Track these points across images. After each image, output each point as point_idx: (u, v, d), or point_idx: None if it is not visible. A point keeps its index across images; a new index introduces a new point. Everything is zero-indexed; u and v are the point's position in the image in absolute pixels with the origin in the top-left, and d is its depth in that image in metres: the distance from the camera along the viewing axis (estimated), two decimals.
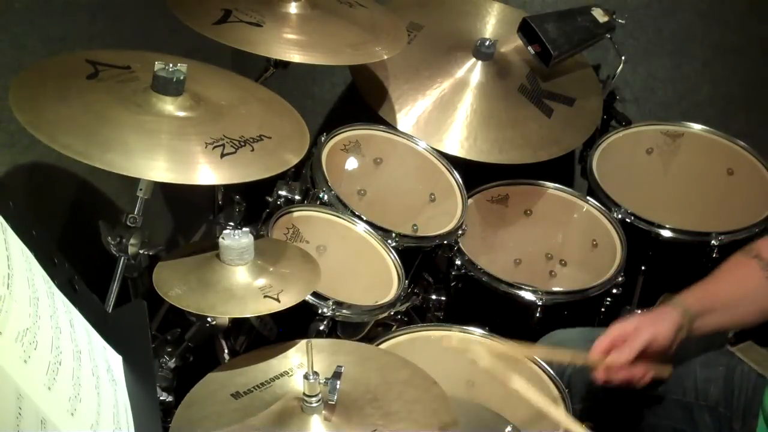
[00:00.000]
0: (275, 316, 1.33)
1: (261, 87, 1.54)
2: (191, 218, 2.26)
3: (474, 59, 1.89)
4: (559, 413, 1.19)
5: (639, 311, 1.73)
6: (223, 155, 1.22)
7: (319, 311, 1.38)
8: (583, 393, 1.39)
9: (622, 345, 1.25)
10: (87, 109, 1.19)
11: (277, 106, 1.48)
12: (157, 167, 1.16)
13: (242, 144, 1.26)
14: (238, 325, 1.46)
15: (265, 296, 1.21)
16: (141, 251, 1.32)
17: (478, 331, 1.46)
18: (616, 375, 1.25)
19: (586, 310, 1.64)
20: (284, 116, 1.45)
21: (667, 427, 1.37)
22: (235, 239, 1.23)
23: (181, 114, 1.26)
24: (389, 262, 1.56)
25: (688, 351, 1.38)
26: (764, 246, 1.32)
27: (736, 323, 1.35)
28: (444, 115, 1.82)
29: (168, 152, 1.19)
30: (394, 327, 1.55)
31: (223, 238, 1.23)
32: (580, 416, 1.36)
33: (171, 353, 1.37)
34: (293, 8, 1.61)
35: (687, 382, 1.36)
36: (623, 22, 1.92)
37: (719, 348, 1.38)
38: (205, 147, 1.22)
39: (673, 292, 1.33)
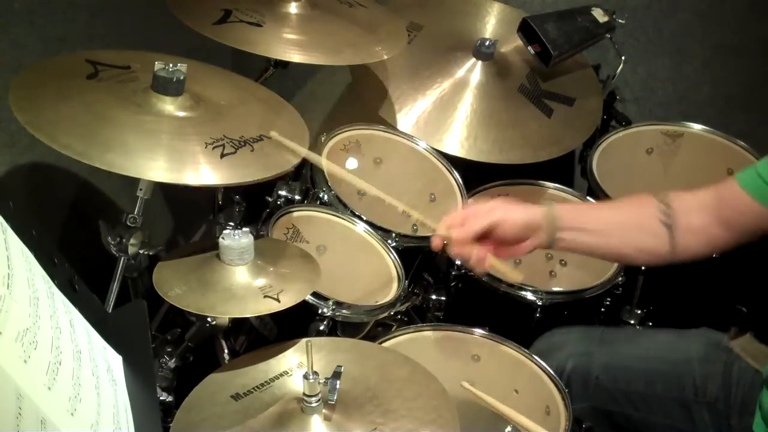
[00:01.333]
0: (275, 316, 1.33)
1: (261, 87, 1.54)
2: (191, 218, 2.26)
3: (474, 59, 1.89)
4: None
5: (639, 311, 1.74)
6: (222, 155, 1.22)
7: (319, 311, 1.38)
8: (583, 393, 1.40)
9: (469, 220, 1.21)
10: (87, 109, 1.20)
11: (277, 106, 1.48)
12: (156, 167, 1.16)
13: (242, 144, 1.26)
14: (238, 325, 1.46)
15: (265, 296, 1.21)
16: (141, 251, 1.32)
17: (478, 331, 1.46)
18: (453, 248, 1.20)
19: (586, 310, 1.64)
20: (284, 116, 1.45)
21: (665, 425, 1.36)
22: (235, 239, 1.23)
23: (181, 114, 1.26)
24: (389, 262, 1.56)
25: (686, 349, 1.38)
26: (677, 195, 1.26)
27: (607, 253, 1.30)
28: (444, 115, 1.82)
29: (167, 152, 1.19)
30: (394, 327, 1.55)
31: (223, 238, 1.24)
32: (580, 416, 1.37)
33: (171, 353, 1.37)
34: (293, 8, 1.61)
35: (685, 378, 1.35)
36: (623, 22, 1.92)
37: (717, 344, 1.37)
38: (205, 147, 1.22)
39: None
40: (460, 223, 1.21)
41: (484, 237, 1.21)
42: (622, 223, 1.26)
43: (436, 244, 1.22)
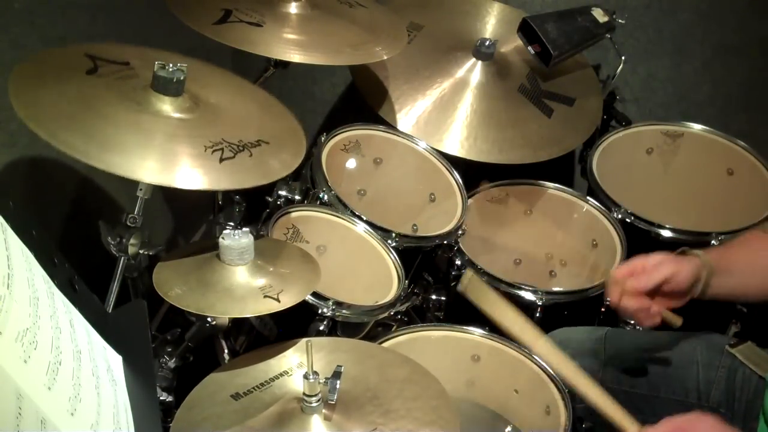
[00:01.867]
0: (275, 316, 1.33)
1: (259, 89, 1.54)
2: (191, 218, 2.26)
3: (474, 59, 1.89)
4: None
5: None
6: (222, 159, 1.22)
7: (319, 311, 1.38)
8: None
9: (642, 274, 1.24)
10: (86, 105, 1.19)
11: (275, 110, 1.47)
12: (152, 169, 1.15)
13: (241, 149, 1.26)
14: (238, 325, 1.46)
15: (265, 296, 1.21)
16: (141, 251, 1.32)
17: (478, 331, 1.46)
18: (628, 301, 1.23)
19: (586, 310, 1.64)
20: (282, 121, 1.44)
21: None
22: (235, 239, 1.23)
23: (181, 116, 1.26)
24: (389, 262, 1.56)
25: (689, 352, 1.38)
26: None
27: (749, 293, 1.34)
28: (444, 115, 1.82)
29: (164, 154, 1.19)
30: (394, 327, 1.55)
31: (223, 238, 1.23)
32: (581, 416, 1.37)
33: (171, 353, 1.37)
34: (293, 8, 1.61)
35: (689, 383, 1.35)
36: (623, 22, 1.92)
37: (720, 350, 1.37)
38: (205, 151, 1.22)
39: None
40: (629, 274, 1.24)
41: (651, 291, 1.25)
42: (756, 264, 1.30)
43: (614, 298, 1.24)
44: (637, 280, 1.23)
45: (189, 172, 1.19)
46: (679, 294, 1.26)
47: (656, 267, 1.24)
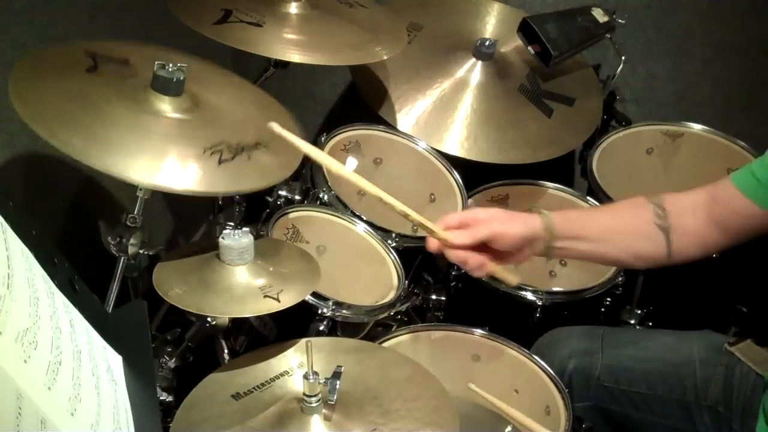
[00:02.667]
0: (275, 316, 1.33)
1: (259, 90, 1.54)
2: (191, 218, 2.26)
3: (474, 59, 1.89)
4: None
5: (639, 311, 1.74)
6: (220, 161, 1.22)
7: (319, 311, 1.38)
8: (584, 392, 1.40)
9: (466, 229, 1.19)
10: (86, 103, 1.19)
11: (275, 111, 1.47)
12: (152, 170, 1.15)
13: (240, 151, 1.26)
14: (238, 325, 1.46)
15: (265, 296, 1.21)
16: (141, 251, 1.32)
17: (478, 331, 1.46)
18: (449, 251, 1.19)
19: (586, 310, 1.64)
20: (281, 123, 1.44)
21: (666, 426, 1.36)
22: (235, 239, 1.23)
23: (180, 116, 1.26)
24: (389, 262, 1.56)
25: (687, 351, 1.38)
26: (671, 196, 1.25)
27: (605, 259, 1.30)
28: (444, 115, 1.82)
29: (164, 155, 1.19)
30: (394, 327, 1.55)
31: (223, 238, 1.24)
32: (581, 415, 1.37)
33: (171, 353, 1.37)
34: (293, 8, 1.61)
35: (687, 381, 1.35)
36: (623, 22, 1.92)
37: (718, 348, 1.37)
38: (203, 152, 1.21)
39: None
40: (456, 226, 1.20)
41: (481, 244, 1.20)
42: (617, 230, 1.25)
43: (431, 245, 1.21)
44: (457, 237, 1.18)
45: (187, 175, 1.19)
46: (510, 251, 1.21)
47: (483, 223, 1.19)
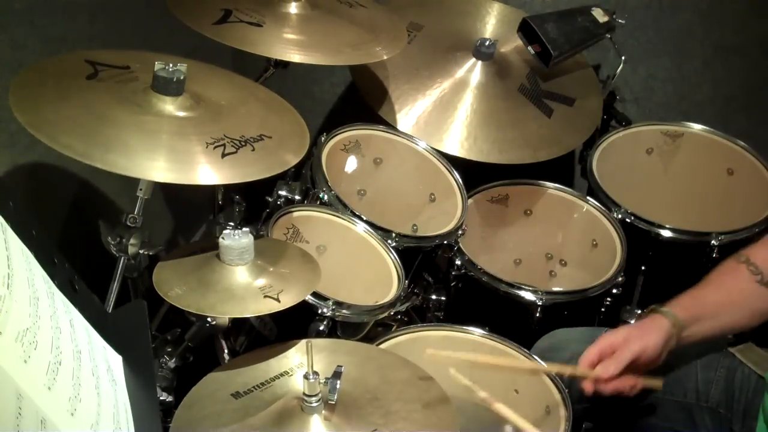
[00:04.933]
0: (275, 316, 1.33)
1: (261, 87, 1.54)
2: (191, 218, 2.26)
3: (474, 59, 1.89)
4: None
5: (639, 311, 1.73)
6: (224, 155, 1.22)
7: (319, 311, 1.38)
8: (583, 394, 1.39)
9: (610, 357, 1.25)
10: (87, 109, 1.20)
11: (277, 106, 1.48)
12: (157, 167, 1.16)
13: (243, 144, 1.26)
14: (238, 325, 1.46)
15: (265, 296, 1.21)
16: (141, 251, 1.32)
17: (478, 331, 1.46)
18: (604, 387, 1.25)
19: (586, 310, 1.64)
20: (284, 116, 1.45)
21: (667, 428, 1.37)
22: (235, 239, 1.23)
23: (182, 114, 1.27)
24: (389, 262, 1.55)
25: (688, 353, 1.38)
26: (753, 251, 1.32)
27: (726, 330, 1.34)
28: (444, 115, 1.82)
29: (168, 152, 1.19)
30: (394, 327, 1.55)
31: (223, 238, 1.23)
32: (581, 416, 1.37)
33: (171, 353, 1.37)
34: (293, 8, 1.61)
35: (688, 383, 1.36)
36: (623, 22, 1.92)
37: (719, 350, 1.37)
38: (206, 147, 1.22)
39: (662, 303, 1.33)
40: (598, 360, 1.25)
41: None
42: (730, 301, 1.31)
43: (588, 389, 1.25)
44: (605, 370, 1.24)
45: (191, 169, 1.19)
46: (652, 363, 1.27)
47: (623, 347, 1.24)
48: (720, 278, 1.33)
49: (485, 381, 1.46)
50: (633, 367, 1.25)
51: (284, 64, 1.68)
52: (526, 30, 1.86)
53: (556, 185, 1.86)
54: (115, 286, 1.31)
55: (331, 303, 1.38)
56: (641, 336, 1.25)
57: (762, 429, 1.21)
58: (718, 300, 1.30)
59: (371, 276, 1.56)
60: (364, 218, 1.58)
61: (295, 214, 1.56)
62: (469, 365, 1.27)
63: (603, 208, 1.78)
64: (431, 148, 1.78)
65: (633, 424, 1.39)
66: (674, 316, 1.27)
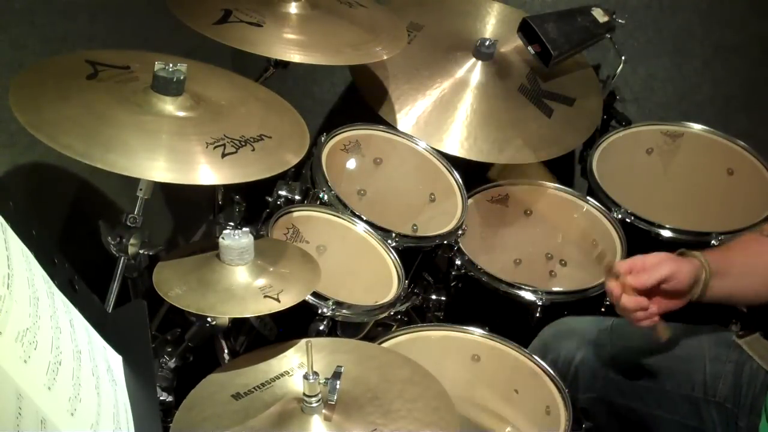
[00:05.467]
0: (275, 316, 1.33)
1: (261, 87, 1.54)
2: (191, 218, 2.26)
3: (474, 59, 1.89)
4: None
5: None
6: (224, 155, 1.22)
7: (319, 311, 1.38)
8: (590, 384, 1.40)
9: (642, 271, 1.23)
10: (87, 109, 1.20)
11: (277, 106, 1.48)
12: (157, 167, 1.16)
13: (243, 144, 1.26)
14: (238, 325, 1.46)
15: (265, 296, 1.21)
16: (141, 251, 1.32)
17: (478, 331, 1.46)
18: (627, 299, 1.23)
19: (586, 310, 1.64)
20: (284, 116, 1.45)
21: (673, 421, 1.36)
22: (235, 239, 1.23)
23: (182, 114, 1.27)
24: (389, 262, 1.56)
25: (697, 345, 1.38)
26: None
27: (748, 295, 1.34)
28: (444, 115, 1.82)
29: (169, 152, 1.19)
30: (394, 327, 1.55)
31: (223, 238, 1.23)
32: (585, 407, 1.37)
33: (171, 353, 1.37)
34: (293, 8, 1.61)
35: (696, 377, 1.35)
36: (623, 22, 1.92)
37: (727, 343, 1.37)
38: (206, 147, 1.22)
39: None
40: (628, 271, 1.24)
41: (649, 291, 1.24)
42: (756, 264, 1.31)
43: (615, 290, 1.24)
44: (636, 278, 1.23)
45: (191, 169, 1.19)
46: (678, 294, 1.26)
47: (656, 265, 1.24)
48: (744, 245, 1.34)
49: (485, 380, 1.47)
50: (660, 292, 1.25)
51: (284, 64, 1.68)
52: (526, 30, 1.86)
53: (556, 185, 1.86)
54: (115, 286, 1.31)
55: (331, 303, 1.38)
56: (675, 262, 1.25)
57: (765, 427, 1.21)
58: (743, 262, 1.31)
59: (371, 276, 1.56)
60: (364, 218, 1.58)
61: (295, 214, 1.56)
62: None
63: (603, 208, 1.78)
64: (431, 148, 1.78)
65: (639, 416, 1.39)
66: (705, 258, 1.27)
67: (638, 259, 1.26)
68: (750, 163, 1.90)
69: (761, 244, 1.32)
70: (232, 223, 1.71)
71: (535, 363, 1.40)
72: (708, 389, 1.34)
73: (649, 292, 1.24)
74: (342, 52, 1.60)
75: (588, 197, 1.83)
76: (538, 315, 1.58)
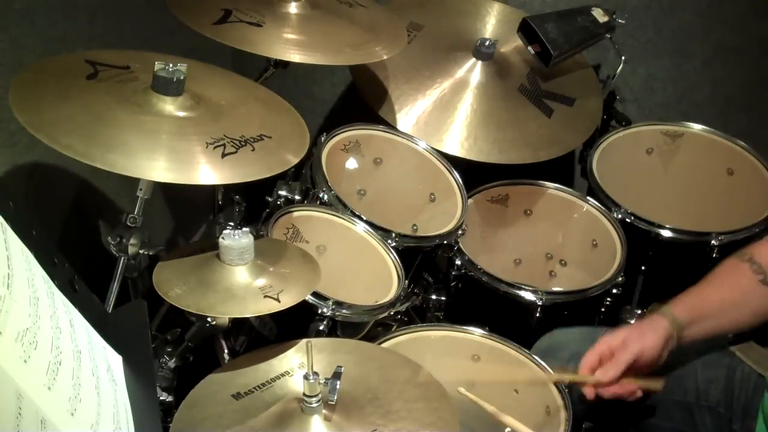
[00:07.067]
0: (275, 316, 1.33)
1: (261, 87, 1.54)
2: (191, 218, 2.26)
3: (474, 59, 1.89)
4: None
5: (639, 311, 1.74)
6: (224, 155, 1.22)
7: (319, 311, 1.38)
8: (584, 394, 1.39)
9: (610, 360, 1.25)
10: (87, 109, 1.20)
11: (277, 106, 1.48)
12: (157, 167, 1.16)
13: (243, 144, 1.26)
14: (238, 325, 1.46)
15: (265, 296, 1.21)
16: (141, 251, 1.32)
17: (478, 331, 1.46)
18: (605, 391, 1.25)
19: (586, 310, 1.64)
20: (284, 116, 1.45)
21: (667, 427, 1.37)
22: (235, 239, 1.23)
23: (182, 114, 1.27)
24: (389, 262, 1.55)
25: (689, 352, 1.38)
26: (757, 250, 1.32)
27: (728, 329, 1.35)
28: (444, 115, 1.82)
29: (169, 152, 1.19)
30: (394, 327, 1.55)
31: (223, 238, 1.23)
32: (582, 417, 1.37)
33: (171, 353, 1.37)
34: (293, 8, 1.61)
35: (688, 382, 1.36)
36: (623, 22, 1.92)
37: (720, 349, 1.37)
38: (206, 147, 1.22)
39: (662, 301, 1.33)
40: (598, 364, 1.26)
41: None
42: (732, 300, 1.30)
43: (590, 394, 1.26)
44: (604, 374, 1.24)
45: (191, 169, 1.19)
46: (652, 362, 1.27)
47: (621, 350, 1.25)
48: (722, 277, 1.33)
49: (485, 380, 1.47)
50: (633, 369, 1.25)
51: (284, 64, 1.68)
52: (526, 30, 1.86)
53: (556, 185, 1.86)
54: (115, 286, 1.31)
55: (331, 303, 1.38)
56: (640, 338, 1.26)
57: (761, 428, 1.21)
58: (720, 299, 1.30)
59: (371, 276, 1.56)
60: (364, 218, 1.58)
61: (295, 214, 1.56)
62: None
63: (603, 208, 1.78)
64: (431, 148, 1.78)
65: (633, 423, 1.39)
66: (674, 316, 1.27)
67: (604, 345, 1.27)
68: (750, 163, 1.90)
69: (739, 275, 1.31)
70: (232, 223, 1.71)
71: (535, 363, 1.40)
72: (700, 394, 1.35)
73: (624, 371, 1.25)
74: (342, 52, 1.60)
75: (588, 197, 1.83)
76: (538, 315, 1.57)
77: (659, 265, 1.79)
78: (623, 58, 1.96)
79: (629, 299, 1.78)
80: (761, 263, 1.29)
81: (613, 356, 1.25)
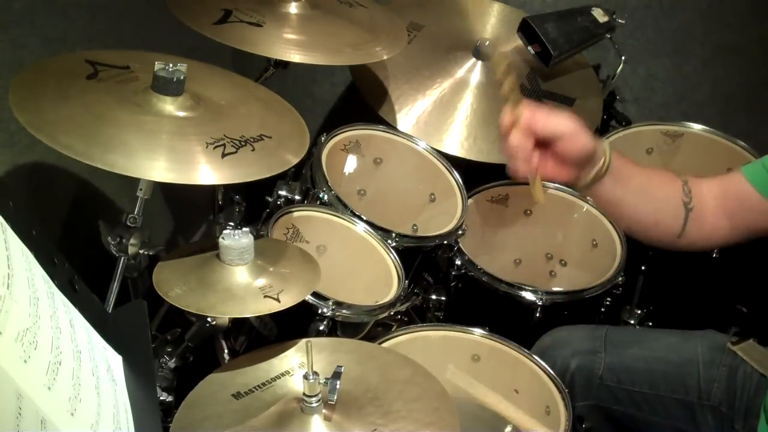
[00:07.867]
0: (275, 316, 1.33)
1: (261, 87, 1.54)
2: (191, 218, 2.26)
3: (474, 59, 1.89)
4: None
5: (639, 311, 1.74)
6: (224, 155, 1.22)
7: (319, 311, 1.38)
8: (586, 391, 1.40)
9: (544, 116, 1.15)
10: (87, 109, 1.19)
11: (277, 106, 1.48)
12: (157, 167, 1.16)
13: (243, 144, 1.26)
14: (238, 325, 1.46)
15: (265, 296, 1.21)
16: (141, 251, 1.32)
17: (478, 331, 1.46)
18: (514, 134, 1.14)
19: (586, 310, 1.64)
20: (284, 116, 1.45)
21: (668, 426, 1.37)
22: (235, 239, 1.23)
23: (182, 114, 1.27)
24: (389, 262, 1.56)
25: (690, 351, 1.38)
26: (696, 181, 1.27)
27: (629, 213, 1.28)
28: (444, 115, 1.82)
29: (169, 152, 1.19)
30: (394, 327, 1.55)
31: (223, 238, 1.23)
32: (583, 414, 1.37)
33: (171, 353, 1.37)
34: (293, 8, 1.61)
35: (689, 382, 1.35)
36: (623, 22, 1.92)
37: (722, 348, 1.37)
38: (206, 147, 1.22)
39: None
40: (529, 114, 1.14)
41: (541, 143, 1.16)
42: (652, 191, 1.26)
43: (505, 119, 1.14)
44: (533, 117, 1.14)
45: (191, 169, 1.19)
46: (568, 161, 1.18)
47: (560, 117, 1.15)
48: (654, 173, 1.29)
49: (485, 381, 1.47)
50: (551, 154, 1.17)
51: (284, 64, 1.68)
52: (526, 30, 1.86)
53: (556, 185, 1.86)
54: (115, 286, 1.31)
55: (331, 303, 1.38)
56: (580, 126, 1.17)
57: (764, 428, 1.21)
58: (644, 183, 1.26)
59: (371, 276, 1.56)
60: (364, 218, 1.58)
61: (295, 214, 1.56)
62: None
63: None
64: (431, 148, 1.78)
65: (634, 422, 1.39)
66: (610, 152, 1.21)
67: (547, 108, 1.17)
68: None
69: (669, 181, 1.26)
70: (232, 223, 1.71)
71: (535, 363, 1.40)
72: (702, 393, 1.34)
73: (541, 145, 1.16)
74: (342, 52, 1.60)
75: (588, 197, 1.83)
76: (538, 315, 1.58)
77: (659, 265, 1.79)
78: (623, 58, 1.97)
79: (629, 299, 1.78)
80: (692, 191, 1.25)
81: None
